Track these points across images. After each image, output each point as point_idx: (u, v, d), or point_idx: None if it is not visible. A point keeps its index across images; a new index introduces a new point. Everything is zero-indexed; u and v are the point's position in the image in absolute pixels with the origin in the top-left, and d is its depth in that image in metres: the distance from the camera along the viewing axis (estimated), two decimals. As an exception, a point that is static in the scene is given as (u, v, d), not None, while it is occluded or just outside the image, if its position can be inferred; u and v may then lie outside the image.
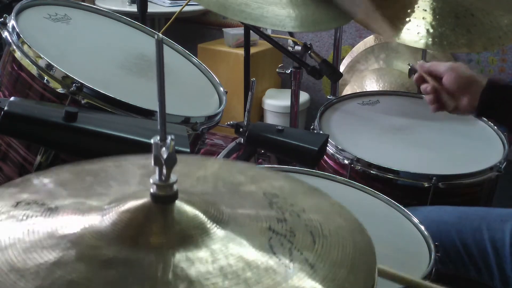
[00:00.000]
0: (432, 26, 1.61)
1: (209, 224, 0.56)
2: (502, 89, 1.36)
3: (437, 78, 1.39)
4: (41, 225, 0.55)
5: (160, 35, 0.53)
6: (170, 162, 0.54)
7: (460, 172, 1.39)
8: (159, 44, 0.53)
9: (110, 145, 0.94)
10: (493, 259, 1.19)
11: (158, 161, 0.55)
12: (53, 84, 1.04)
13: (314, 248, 0.56)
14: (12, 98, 0.92)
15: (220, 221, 0.57)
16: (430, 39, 1.60)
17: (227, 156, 1.53)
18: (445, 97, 1.38)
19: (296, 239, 0.57)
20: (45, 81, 1.05)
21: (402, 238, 1.08)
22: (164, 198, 0.56)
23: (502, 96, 1.34)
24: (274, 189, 0.67)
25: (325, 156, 1.48)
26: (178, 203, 0.56)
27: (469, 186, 1.41)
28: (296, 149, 1.20)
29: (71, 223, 0.55)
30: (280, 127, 1.22)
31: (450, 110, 1.41)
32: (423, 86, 1.42)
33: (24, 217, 0.56)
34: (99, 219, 0.55)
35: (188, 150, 0.94)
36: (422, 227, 1.09)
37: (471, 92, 1.35)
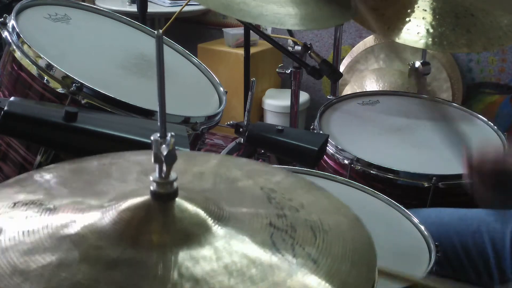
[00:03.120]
0: (432, 26, 1.61)
1: (211, 222, 0.55)
2: None
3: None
4: (41, 226, 0.54)
5: (160, 31, 0.53)
6: (170, 159, 0.54)
7: (460, 172, 1.39)
8: (159, 41, 0.53)
9: (110, 145, 0.93)
10: (493, 260, 1.19)
11: (158, 158, 0.54)
12: (53, 84, 1.04)
13: (315, 243, 0.55)
14: (12, 98, 0.92)
15: (221, 218, 0.56)
16: (430, 39, 1.60)
17: (227, 156, 1.52)
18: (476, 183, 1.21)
19: (297, 234, 0.56)
20: (45, 81, 1.05)
21: (402, 238, 1.08)
22: (164, 196, 0.55)
23: None
24: (271, 184, 0.66)
25: (325, 156, 1.48)
26: (179, 200, 0.56)
27: (469, 186, 1.41)
28: (296, 149, 1.20)
29: (71, 224, 0.55)
30: (280, 127, 1.22)
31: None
32: (468, 174, 1.24)
33: (23, 218, 0.55)
34: (99, 218, 0.54)
35: (188, 150, 0.94)
36: (422, 227, 1.09)
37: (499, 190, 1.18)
